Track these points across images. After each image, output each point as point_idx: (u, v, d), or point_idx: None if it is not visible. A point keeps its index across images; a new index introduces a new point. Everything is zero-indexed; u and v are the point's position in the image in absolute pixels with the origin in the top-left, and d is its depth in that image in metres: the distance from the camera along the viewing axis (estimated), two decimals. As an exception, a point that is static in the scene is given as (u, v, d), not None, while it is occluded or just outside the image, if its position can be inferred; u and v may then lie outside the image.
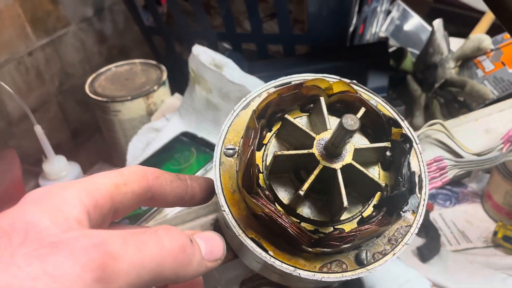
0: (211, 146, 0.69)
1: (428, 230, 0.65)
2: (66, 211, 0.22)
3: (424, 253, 0.62)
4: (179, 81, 0.87)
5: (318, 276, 0.30)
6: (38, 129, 0.61)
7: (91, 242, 0.21)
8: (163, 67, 0.83)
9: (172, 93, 0.84)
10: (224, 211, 0.31)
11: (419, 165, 0.34)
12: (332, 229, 0.32)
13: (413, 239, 0.32)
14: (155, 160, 0.68)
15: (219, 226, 0.41)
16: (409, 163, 0.32)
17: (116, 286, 0.21)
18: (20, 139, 0.85)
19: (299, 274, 0.30)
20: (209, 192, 0.34)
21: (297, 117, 0.35)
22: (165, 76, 0.81)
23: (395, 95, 0.85)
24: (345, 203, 0.29)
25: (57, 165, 0.65)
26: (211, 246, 0.28)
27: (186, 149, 0.69)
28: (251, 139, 0.31)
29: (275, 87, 0.36)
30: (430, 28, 0.95)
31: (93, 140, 1.02)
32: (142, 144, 0.71)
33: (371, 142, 0.34)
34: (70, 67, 0.94)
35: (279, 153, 0.31)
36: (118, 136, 0.80)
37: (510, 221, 0.68)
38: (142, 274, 0.22)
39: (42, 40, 0.86)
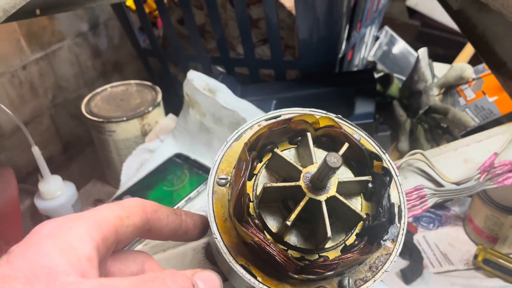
0: (203, 168, 0.71)
1: (412, 252, 0.67)
2: (78, 249, 0.24)
3: (407, 275, 0.64)
4: (174, 101, 0.90)
5: (303, 302, 0.32)
6: (36, 150, 0.62)
7: None
8: (158, 88, 0.85)
9: (166, 113, 0.86)
10: (216, 238, 0.33)
11: (399, 196, 0.37)
12: (317, 256, 0.34)
13: (393, 266, 0.34)
14: (148, 181, 0.70)
15: (210, 250, 0.43)
16: (389, 195, 0.35)
17: None
18: (12, 152, 0.86)
19: (285, 299, 0.32)
20: (202, 229, 0.36)
21: (286, 149, 0.37)
22: (159, 97, 0.83)
23: (382, 119, 0.89)
24: (329, 233, 0.31)
25: (53, 184, 0.66)
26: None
27: (179, 171, 0.71)
28: (243, 171, 0.33)
29: (266, 120, 0.38)
30: (415, 54, 0.99)
31: (84, 153, 1.03)
32: (136, 164, 0.73)
33: (354, 174, 0.37)
34: (63, 81, 0.95)
35: (268, 185, 0.33)
36: (113, 156, 0.82)
37: (490, 244, 0.70)
38: None
39: (36, 54, 0.88)
